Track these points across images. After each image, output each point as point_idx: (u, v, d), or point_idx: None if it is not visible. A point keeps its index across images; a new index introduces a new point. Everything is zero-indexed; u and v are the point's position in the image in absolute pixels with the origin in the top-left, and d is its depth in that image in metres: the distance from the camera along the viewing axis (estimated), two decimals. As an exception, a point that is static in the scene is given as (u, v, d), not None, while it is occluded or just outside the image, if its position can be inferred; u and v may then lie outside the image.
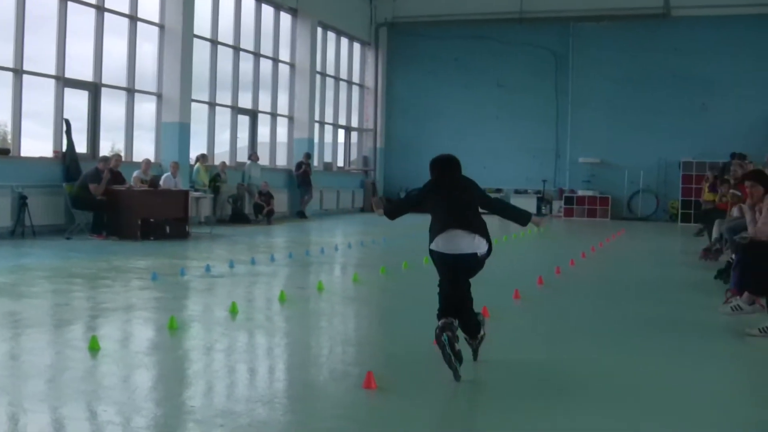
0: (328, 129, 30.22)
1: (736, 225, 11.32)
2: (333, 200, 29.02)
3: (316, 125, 28.25)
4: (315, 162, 27.55)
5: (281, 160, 27.28)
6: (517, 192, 31.01)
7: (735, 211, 12.51)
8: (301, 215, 25.32)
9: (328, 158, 30.08)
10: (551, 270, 12.78)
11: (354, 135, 32.53)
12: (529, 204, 29.09)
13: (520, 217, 6.73)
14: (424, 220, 6.46)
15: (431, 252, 6.29)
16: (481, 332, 6.52)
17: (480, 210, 6.35)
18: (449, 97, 32.03)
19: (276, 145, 26.60)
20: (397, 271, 12.59)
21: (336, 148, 30.97)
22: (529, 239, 19.28)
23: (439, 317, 6.04)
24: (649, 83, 29.59)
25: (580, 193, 30.49)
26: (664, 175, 29.60)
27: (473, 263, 6.23)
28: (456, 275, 6.18)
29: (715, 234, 14.54)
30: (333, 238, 18.70)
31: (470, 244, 6.16)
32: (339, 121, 30.89)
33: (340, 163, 31.58)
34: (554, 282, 11.68)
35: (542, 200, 30.54)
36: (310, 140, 27.19)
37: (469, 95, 31.85)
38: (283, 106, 27.13)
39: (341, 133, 31.47)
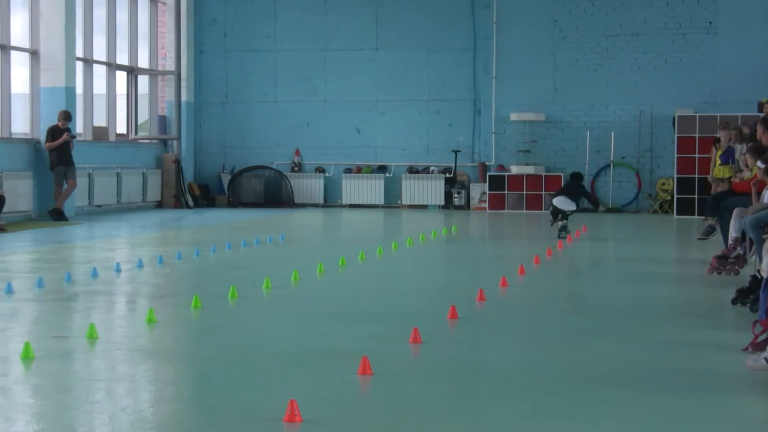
0: (99, 71, 26.57)
1: (766, 216, 10.65)
2: (111, 190, 25.72)
3: (79, 65, 24.72)
4: (79, 127, 24.43)
5: (19, 125, 24.53)
6: (412, 171, 26.19)
7: (767, 195, 11.38)
8: (58, 215, 22.30)
9: (100, 121, 26.64)
10: (469, 294, 10.85)
11: (143, 81, 28.91)
12: (431, 191, 26.31)
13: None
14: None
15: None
16: (567, 221, 16.35)
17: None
18: (295, 17, 27.64)
19: (10, 99, 23.63)
20: (220, 302, 10.77)
21: (113, 103, 27.25)
22: (432, 246, 17.60)
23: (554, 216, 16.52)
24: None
25: (515, 170, 26.33)
26: (649, 140, 25.94)
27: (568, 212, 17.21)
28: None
29: (733, 232, 12.78)
30: (112, 252, 17.11)
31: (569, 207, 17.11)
32: (117, 58, 27.13)
33: (121, 128, 27.94)
34: (474, 313, 9.95)
35: (453, 183, 25.85)
36: (70, 90, 23.64)
37: (331, 13, 27.51)
38: (19, 33, 24.11)
39: (121, 78, 27.71)
